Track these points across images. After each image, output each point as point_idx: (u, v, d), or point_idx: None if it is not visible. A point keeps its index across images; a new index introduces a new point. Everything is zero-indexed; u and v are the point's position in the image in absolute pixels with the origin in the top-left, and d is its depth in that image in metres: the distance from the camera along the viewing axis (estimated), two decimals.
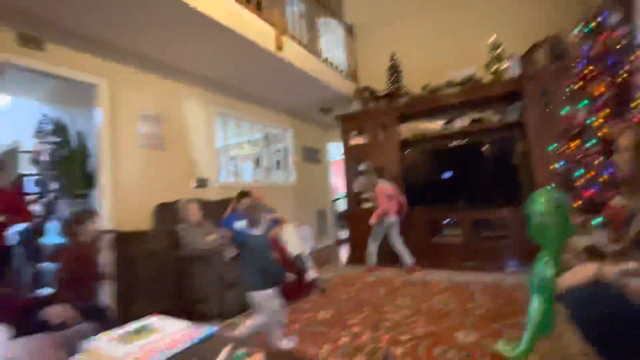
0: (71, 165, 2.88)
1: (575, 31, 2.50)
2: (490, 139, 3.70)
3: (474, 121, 3.71)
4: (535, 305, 1.26)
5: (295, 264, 2.77)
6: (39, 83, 3.19)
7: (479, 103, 3.73)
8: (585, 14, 2.40)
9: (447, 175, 3.89)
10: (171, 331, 1.00)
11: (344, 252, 4.95)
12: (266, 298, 1.75)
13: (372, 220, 3.46)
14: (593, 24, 2.25)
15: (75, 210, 2.71)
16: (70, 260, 1.74)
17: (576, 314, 1.09)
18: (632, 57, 2.16)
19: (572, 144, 2.39)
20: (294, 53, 3.48)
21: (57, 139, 3.07)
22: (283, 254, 2.81)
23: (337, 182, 6.71)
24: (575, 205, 2.34)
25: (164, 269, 2.55)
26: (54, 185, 3.06)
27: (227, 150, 4.19)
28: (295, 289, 2.74)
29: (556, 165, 2.51)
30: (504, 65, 3.47)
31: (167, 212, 2.88)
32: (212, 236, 2.79)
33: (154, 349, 0.91)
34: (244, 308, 2.58)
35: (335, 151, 6.10)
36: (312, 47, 3.97)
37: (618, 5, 2.23)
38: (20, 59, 2.29)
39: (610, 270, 1.02)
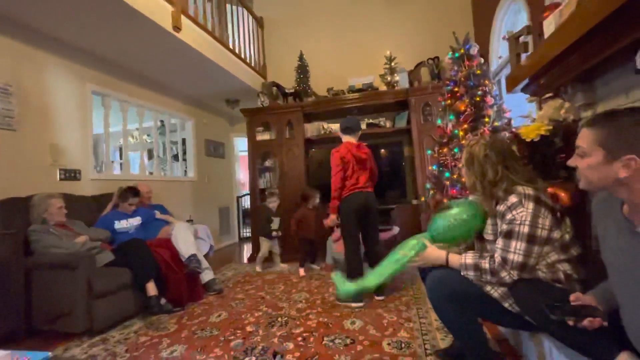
0: None
1: (448, 56, 2.98)
2: (385, 142, 4.11)
3: (370, 125, 4.05)
4: (390, 259, 1.35)
5: (186, 266, 2.54)
6: None
7: (375, 109, 4.10)
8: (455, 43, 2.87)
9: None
10: None
11: (247, 250, 4.82)
12: None
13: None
14: (459, 52, 2.69)
15: None
16: None
17: (431, 291, 1.29)
18: (486, 82, 2.69)
19: (443, 150, 2.84)
20: (196, 37, 3.19)
21: None
22: (173, 256, 2.54)
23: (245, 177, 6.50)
24: (444, 201, 2.80)
25: (7, 281, 2.01)
26: None
27: (110, 137, 3.59)
28: (187, 293, 2.52)
29: (432, 168, 2.94)
30: (396, 77, 3.89)
31: (16, 210, 2.29)
32: (82, 238, 2.34)
33: None
34: (119, 321, 2.24)
35: (242, 146, 5.88)
36: (219, 34, 3.72)
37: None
38: None
39: (455, 260, 1.25)
